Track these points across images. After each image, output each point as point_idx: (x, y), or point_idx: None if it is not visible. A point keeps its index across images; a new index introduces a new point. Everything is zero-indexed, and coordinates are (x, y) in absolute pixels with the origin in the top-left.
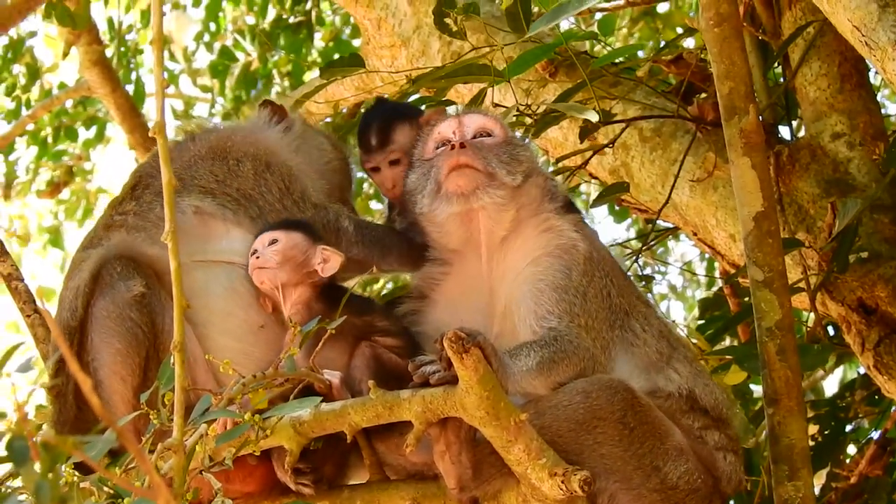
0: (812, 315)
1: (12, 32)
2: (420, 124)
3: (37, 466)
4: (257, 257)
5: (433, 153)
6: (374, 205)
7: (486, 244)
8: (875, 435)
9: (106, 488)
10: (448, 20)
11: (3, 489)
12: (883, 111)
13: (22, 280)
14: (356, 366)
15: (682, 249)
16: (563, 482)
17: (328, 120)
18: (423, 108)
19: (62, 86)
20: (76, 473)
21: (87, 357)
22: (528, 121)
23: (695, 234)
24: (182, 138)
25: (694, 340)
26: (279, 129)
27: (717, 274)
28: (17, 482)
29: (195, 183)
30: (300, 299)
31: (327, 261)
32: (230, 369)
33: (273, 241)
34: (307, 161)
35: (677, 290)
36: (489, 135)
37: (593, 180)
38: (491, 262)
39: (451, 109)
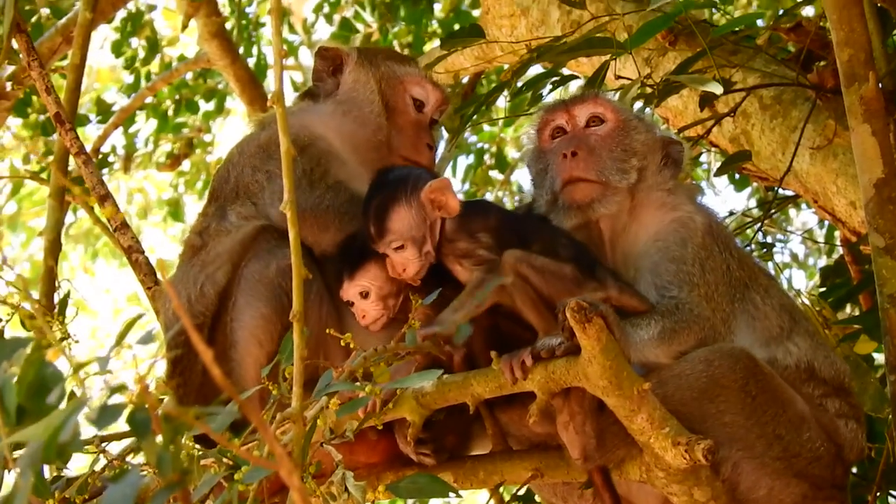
0: None
1: (131, 6)
2: (422, 203)
3: (158, 439)
4: (364, 316)
5: (549, 143)
6: (494, 174)
7: (608, 238)
8: None
9: (225, 460)
10: None
11: (124, 465)
12: None
13: (142, 252)
14: (475, 337)
15: (804, 218)
16: (686, 451)
17: (448, 90)
18: (546, 89)
19: (181, 58)
20: (197, 447)
21: (227, 317)
22: (649, 91)
23: (815, 202)
24: (251, 131)
25: (818, 309)
26: (328, 105)
27: (837, 242)
28: (139, 458)
29: (241, 187)
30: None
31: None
32: (351, 342)
33: (364, 294)
34: (357, 122)
35: (799, 259)
36: (602, 121)
37: (713, 149)
38: (613, 245)
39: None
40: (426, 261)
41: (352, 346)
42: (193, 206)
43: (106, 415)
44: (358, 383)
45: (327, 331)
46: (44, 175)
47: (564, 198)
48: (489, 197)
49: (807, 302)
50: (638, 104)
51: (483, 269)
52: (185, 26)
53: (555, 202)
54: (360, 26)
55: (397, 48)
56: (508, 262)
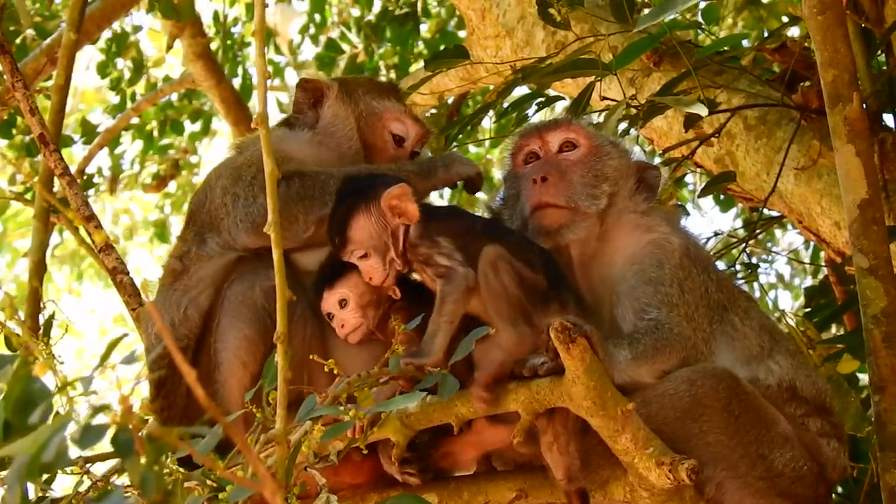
0: None
1: (116, 26)
2: (382, 211)
3: (142, 460)
4: (342, 326)
5: (522, 168)
6: (480, 194)
7: (577, 262)
8: None
9: (209, 482)
10: (552, 10)
11: (108, 486)
12: None
13: (127, 273)
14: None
15: (789, 239)
16: (670, 471)
17: (433, 111)
18: (531, 110)
19: (167, 79)
20: (180, 469)
21: (211, 338)
22: (633, 111)
23: (800, 223)
24: (230, 154)
25: (802, 329)
26: (305, 133)
27: (822, 262)
28: (123, 479)
29: (213, 211)
30: (393, 307)
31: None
32: (335, 368)
33: (343, 302)
34: (334, 154)
35: (784, 279)
36: (574, 146)
37: (698, 169)
38: (585, 271)
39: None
40: (392, 269)
41: (335, 371)
42: (179, 228)
43: (89, 435)
44: (342, 408)
45: (311, 356)
46: (28, 196)
47: (533, 223)
48: None
49: (792, 322)
50: (623, 125)
51: (443, 281)
52: (170, 47)
53: (525, 227)
54: (345, 47)
55: (383, 69)
56: (489, 255)
